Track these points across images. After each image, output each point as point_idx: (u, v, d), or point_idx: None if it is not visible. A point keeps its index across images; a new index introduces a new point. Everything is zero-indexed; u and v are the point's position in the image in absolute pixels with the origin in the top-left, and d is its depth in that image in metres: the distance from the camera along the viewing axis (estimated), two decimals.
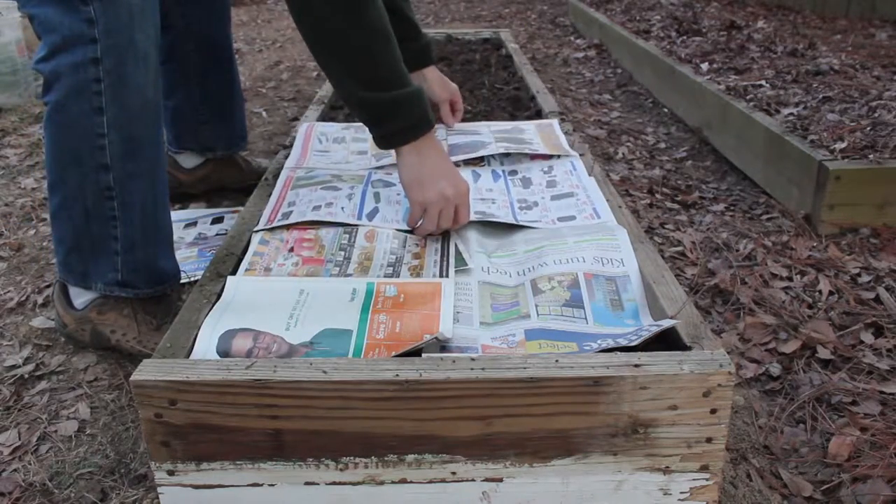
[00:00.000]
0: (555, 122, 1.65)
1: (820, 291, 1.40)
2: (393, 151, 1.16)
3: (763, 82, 2.26)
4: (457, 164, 1.43)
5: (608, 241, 1.11)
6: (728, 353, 0.79)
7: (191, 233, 1.67)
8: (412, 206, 1.14)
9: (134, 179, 1.13)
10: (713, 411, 0.77)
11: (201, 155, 1.81)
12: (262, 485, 0.80)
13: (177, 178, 1.81)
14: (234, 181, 1.86)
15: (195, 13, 1.61)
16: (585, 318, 0.96)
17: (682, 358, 0.78)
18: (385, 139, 1.15)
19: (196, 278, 1.36)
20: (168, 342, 0.88)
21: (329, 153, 1.53)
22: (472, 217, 1.20)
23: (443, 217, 1.12)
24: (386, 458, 0.79)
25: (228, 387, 0.75)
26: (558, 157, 1.46)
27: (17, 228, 1.74)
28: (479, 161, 1.48)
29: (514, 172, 1.40)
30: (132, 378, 0.76)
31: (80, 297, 1.24)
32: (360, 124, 1.42)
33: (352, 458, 0.79)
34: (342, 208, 1.23)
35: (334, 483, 0.80)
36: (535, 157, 1.47)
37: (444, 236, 1.17)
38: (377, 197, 1.28)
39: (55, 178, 1.14)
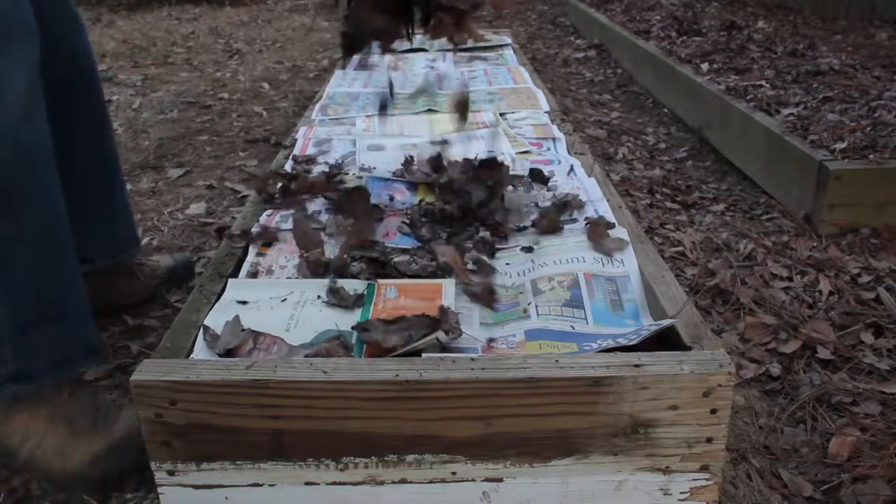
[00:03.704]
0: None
1: (820, 291, 1.40)
2: None
3: (763, 82, 2.26)
4: None
5: None
6: (728, 353, 0.79)
7: None
8: None
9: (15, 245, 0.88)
10: (713, 411, 0.77)
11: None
12: (262, 485, 0.80)
13: None
14: (125, 297, 1.34)
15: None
16: (585, 319, 0.96)
17: (682, 358, 0.78)
18: None
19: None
20: (168, 342, 0.88)
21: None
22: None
23: None
24: (386, 458, 0.79)
25: (228, 387, 0.75)
26: (553, 139, 1.61)
27: None
28: None
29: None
30: (132, 378, 0.76)
31: None
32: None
33: (352, 458, 0.79)
34: None
35: (334, 483, 0.80)
36: (535, 161, 1.48)
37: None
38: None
39: None
